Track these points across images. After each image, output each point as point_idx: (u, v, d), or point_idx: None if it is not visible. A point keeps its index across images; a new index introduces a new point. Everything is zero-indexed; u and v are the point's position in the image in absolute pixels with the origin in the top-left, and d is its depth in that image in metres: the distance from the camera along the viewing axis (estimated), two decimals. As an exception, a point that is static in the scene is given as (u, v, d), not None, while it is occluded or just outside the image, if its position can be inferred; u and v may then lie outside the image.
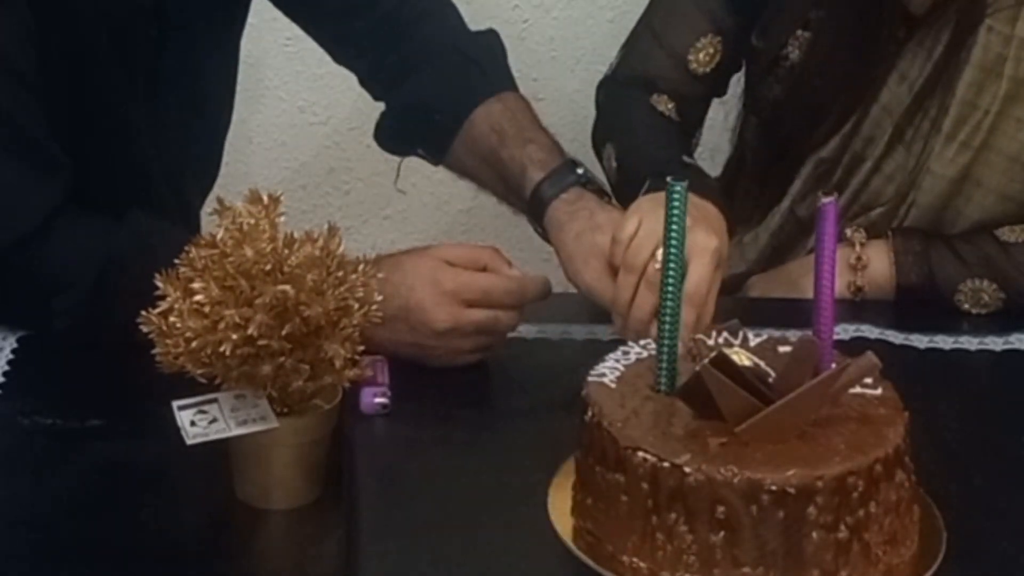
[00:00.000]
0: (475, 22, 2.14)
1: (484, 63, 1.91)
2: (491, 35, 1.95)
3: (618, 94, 2.03)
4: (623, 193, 1.79)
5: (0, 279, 1.61)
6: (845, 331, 1.72)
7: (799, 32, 1.92)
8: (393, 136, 1.97)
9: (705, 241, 1.56)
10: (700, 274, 1.55)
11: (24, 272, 1.60)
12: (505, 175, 1.80)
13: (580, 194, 1.71)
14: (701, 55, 1.97)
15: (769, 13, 1.95)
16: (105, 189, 1.68)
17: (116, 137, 1.74)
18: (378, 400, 1.54)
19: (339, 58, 1.98)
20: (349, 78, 1.98)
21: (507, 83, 1.90)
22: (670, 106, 1.97)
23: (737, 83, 2.07)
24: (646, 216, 1.58)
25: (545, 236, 1.74)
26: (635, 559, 1.29)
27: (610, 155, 1.94)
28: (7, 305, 1.65)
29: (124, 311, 1.38)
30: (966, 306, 1.83)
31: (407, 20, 1.90)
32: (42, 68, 1.64)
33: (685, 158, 1.83)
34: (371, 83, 1.96)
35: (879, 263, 1.86)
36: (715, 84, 2.02)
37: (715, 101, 2.07)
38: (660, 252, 1.48)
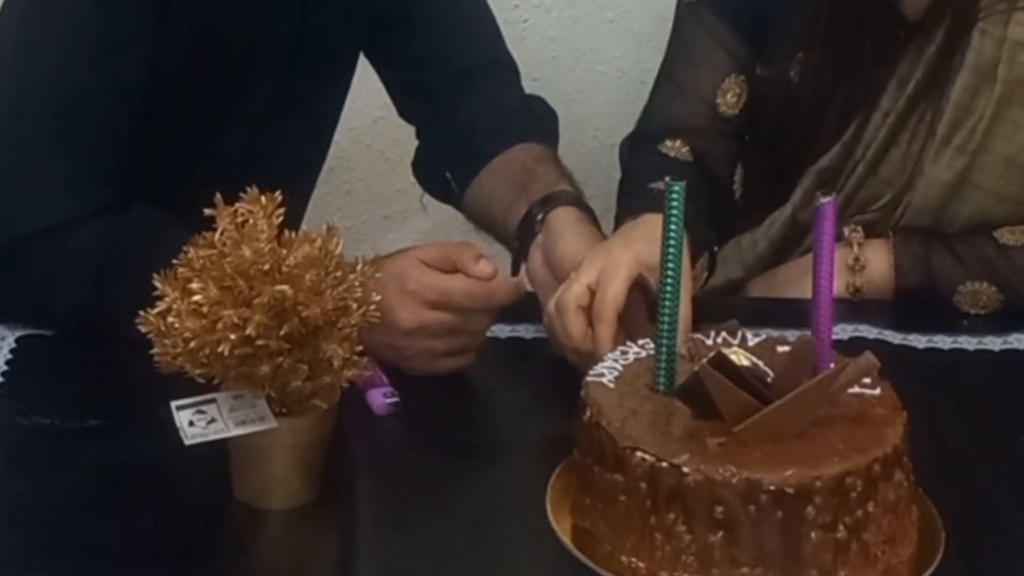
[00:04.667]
0: (475, 22, 2.14)
1: (538, 117, 1.94)
2: (544, 101, 1.98)
3: (637, 148, 2.00)
4: None
5: (4, 260, 1.62)
6: (843, 331, 1.72)
7: (799, 55, 1.91)
8: (427, 160, 1.98)
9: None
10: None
11: (28, 240, 1.62)
12: (530, 182, 1.78)
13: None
14: (728, 96, 1.95)
15: (771, 41, 1.94)
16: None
17: (235, 153, 1.77)
18: (389, 400, 1.55)
19: (405, 107, 1.99)
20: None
21: (554, 141, 1.93)
22: (684, 150, 1.94)
23: None
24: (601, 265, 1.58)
25: (522, 237, 1.74)
26: (634, 559, 1.29)
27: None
28: (9, 286, 1.65)
29: (127, 295, 1.38)
30: (964, 307, 1.83)
31: (477, 76, 1.93)
32: (174, 81, 1.69)
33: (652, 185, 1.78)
34: (429, 134, 1.98)
35: (878, 264, 1.86)
36: (744, 124, 1.98)
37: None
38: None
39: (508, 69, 1.98)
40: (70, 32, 1.64)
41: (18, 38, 1.68)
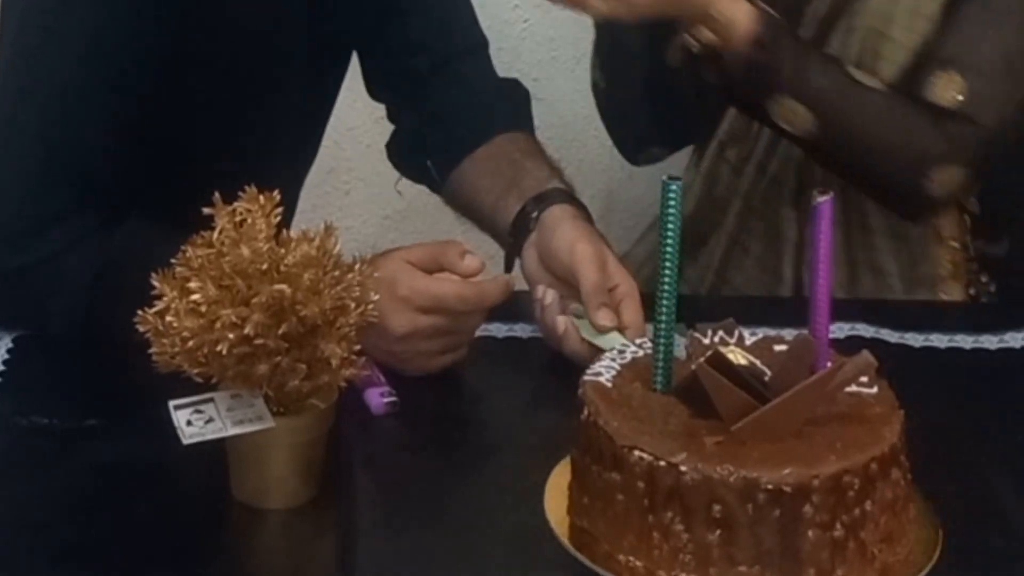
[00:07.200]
0: (474, 22, 2.14)
1: (515, 101, 1.95)
2: (518, 83, 1.99)
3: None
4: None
5: None
6: (840, 330, 1.72)
7: None
8: (405, 147, 1.98)
9: None
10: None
11: (21, 272, 1.61)
12: (520, 177, 1.79)
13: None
14: None
15: None
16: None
17: (249, 153, 1.77)
18: (387, 400, 1.55)
19: (380, 91, 1.99)
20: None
21: (530, 125, 1.94)
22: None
23: None
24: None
25: (516, 235, 1.74)
26: (631, 558, 1.29)
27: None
28: (2, 306, 1.65)
29: (121, 315, 1.38)
30: (773, 118, 1.78)
31: (455, 61, 1.93)
32: (193, 92, 1.69)
33: None
34: (406, 118, 1.99)
35: (741, 18, 1.76)
36: None
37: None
38: None
39: (482, 48, 1.97)
40: (64, 61, 1.62)
41: (10, 65, 1.66)
